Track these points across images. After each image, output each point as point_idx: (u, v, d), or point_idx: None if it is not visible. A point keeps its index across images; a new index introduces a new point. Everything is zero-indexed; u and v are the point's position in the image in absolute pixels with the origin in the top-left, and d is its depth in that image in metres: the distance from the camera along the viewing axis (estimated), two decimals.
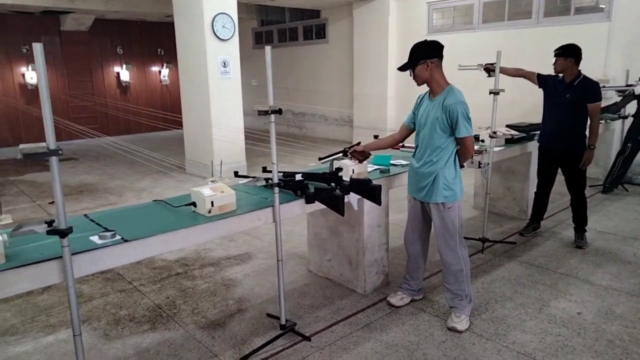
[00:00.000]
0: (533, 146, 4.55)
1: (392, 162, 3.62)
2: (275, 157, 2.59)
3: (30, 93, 10.39)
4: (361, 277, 3.31)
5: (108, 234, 2.15)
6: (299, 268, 3.80)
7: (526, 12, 7.28)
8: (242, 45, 12.98)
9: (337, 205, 2.63)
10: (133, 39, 12.06)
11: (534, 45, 6.97)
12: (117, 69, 11.84)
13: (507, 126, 4.88)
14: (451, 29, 8.34)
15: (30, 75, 10.28)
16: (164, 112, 11.43)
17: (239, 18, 12.13)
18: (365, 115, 9.70)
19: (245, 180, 3.05)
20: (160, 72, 12.59)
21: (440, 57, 2.73)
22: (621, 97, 5.59)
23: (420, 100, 2.92)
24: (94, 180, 7.08)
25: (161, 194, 6.04)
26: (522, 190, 4.84)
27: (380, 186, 2.81)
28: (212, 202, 2.46)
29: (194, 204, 2.52)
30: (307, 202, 2.75)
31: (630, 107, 5.72)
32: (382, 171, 3.41)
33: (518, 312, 3.04)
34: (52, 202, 5.60)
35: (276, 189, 2.59)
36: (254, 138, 7.86)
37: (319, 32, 10.95)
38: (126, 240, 2.13)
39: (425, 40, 2.78)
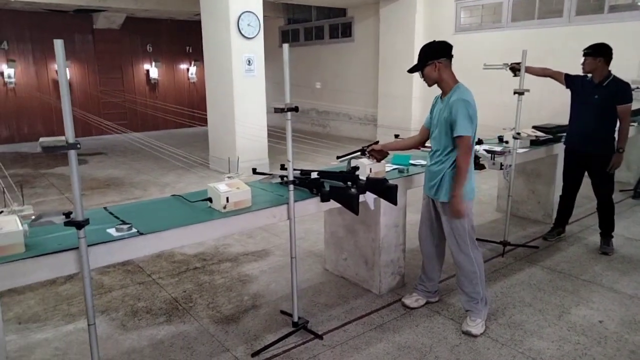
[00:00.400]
0: (559, 148, 4.43)
1: (411, 161, 3.59)
2: (291, 154, 2.60)
3: None
4: (376, 277, 3.29)
5: (125, 226, 2.20)
6: (315, 266, 3.81)
7: (557, 11, 7.08)
8: (268, 43, 13.09)
9: (351, 204, 2.62)
10: (162, 37, 12.29)
11: (565, 45, 6.78)
12: (146, 66, 12.09)
13: (534, 127, 4.77)
14: (479, 27, 8.18)
15: None
16: (191, 109, 11.63)
17: (265, 16, 12.22)
18: (390, 115, 9.63)
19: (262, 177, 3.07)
20: (188, 69, 12.80)
21: (449, 57, 2.73)
22: None
23: (435, 101, 2.90)
24: (120, 174, 7.26)
25: (184, 189, 6.15)
26: (547, 193, 4.71)
27: (396, 186, 2.78)
28: (227, 198, 2.49)
29: (209, 200, 2.55)
30: (323, 200, 2.75)
31: None
32: (400, 171, 3.38)
33: (536, 318, 2.96)
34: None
35: (291, 187, 2.60)
36: (277, 136, 7.92)
37: (345, 31, 10.92)
38: (142, 234, 2.18)
39: (434, 41, 2.78)
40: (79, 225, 1.88)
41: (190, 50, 12.67)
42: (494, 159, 3.62)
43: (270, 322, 2.95)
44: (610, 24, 6.44)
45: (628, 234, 4.41)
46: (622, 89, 3.73)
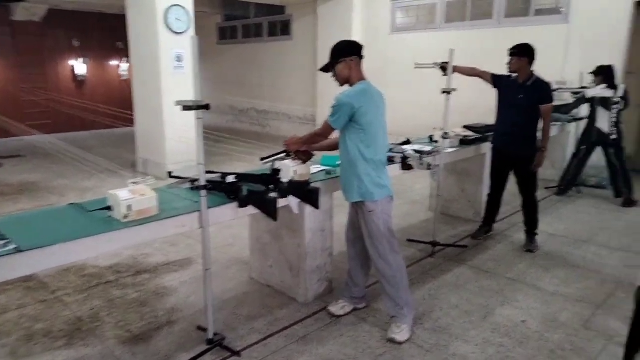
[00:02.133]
0: (488, 147, 4.48)
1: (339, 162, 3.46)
2: (202, 157, 2.39)
3: None
4: (302, 284, 3.14)
5: (1, 242, 1.91)
6: (240, 275, 3.61)
7: (487, 13, 7.26)
8: (206, 40, 12.76)
9: (269, 210, 2.46)
10: (91, 32, 11.55)
11: (495, 46, 6.88)
12: (72, 62, 11.32)
13: (464, 127, 4.82)
14: (414, 28, 8.26)
15: None
16: (120, 109, 11.00)
17: (201, 12, 11.77)
18: None
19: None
20: (119, 66, 12.12)
21: (360, 56, 2.69)
22: (574, 100, 5.60)
23: None
24: (37, 179, 6.68)
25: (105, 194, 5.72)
26: (476, 192, 4.76)
27: (318, 189, 2.65)
28: (129, 206, 2.25)
29: (109, 208, 2.30)
30: (240, 205, 2.57)
31: (587, 110, 5.73)
32: (328, 172, 3.25)
33: (462, 320, 2.92)
34: None
35: (203, 192, 2.39)
36: (217, 136, 7.61)
37: (283, 29, 10.74)
38: (20, 251, 1.90)
39: (344, 40, 2.77)
40: None
41: (122, 46, 11.99)
42: (422, 159, 3.57)
43: (185, 339, 2.72)
44: (536, 26, 6.66)
45: (551, 230, 4.53)
46: (544, 89, 3.81)
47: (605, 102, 5.27)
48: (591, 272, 3.62)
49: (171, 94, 6.50)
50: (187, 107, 2.25)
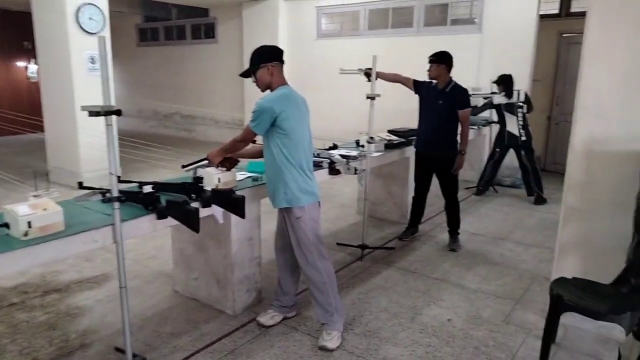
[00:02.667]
0: (411, 151, 4.61)
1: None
2: (116, 166, 2.21)
3: None
4: (230, 296, 3.02)
5: None
6: (164, 289, 3.41)
7: (408, 22, 7.51)
8: (125, 42, 12.12)
9: (190, 221, 2.32)
10: None
11: (416, 53, 7.17)
12: None
13: (389, 131, 4.92)
14: (339, 34, 8.37)
15: None
16: (29, 114, 10.14)
17: (118, 12, 11.17)
18: None
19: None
20: (27, 67, 11.18)
21: (281, 61, 2.65)
22: (482, 104, 5.95)
23: None
24: None
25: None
26: (402, 194, 4.88)
27: (243, 197, 2.55)
28: (28, 223, 2.02)
29: (6, 225, 2.05)
30: (159, 217, 2.40)
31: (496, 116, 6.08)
32: (254, 179, 3.15)
33: (391, 323, 2.95)
34: None
35: (116, 204, 2.20)
36: (142, 143, 7.22)
37: (208, 32, 10.45)
38: None
39: (265, 45, 2.69)
40: None
41: (30, 46, 11.07)
42: (348, 164, 3.58)
43: None
44: (453, 35, 7.00)
45: (472, 230, 4.75)
46: (462, 95, 3.97)
47: (511, 108, 5.66)
48: (509, 268, 3.82)
49: (85, 98, 6.07)
50: (94, 113, 2.07)
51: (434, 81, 4.04)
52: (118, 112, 2.14)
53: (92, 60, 6.10)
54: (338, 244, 4.25)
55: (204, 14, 10.31)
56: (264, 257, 3.55)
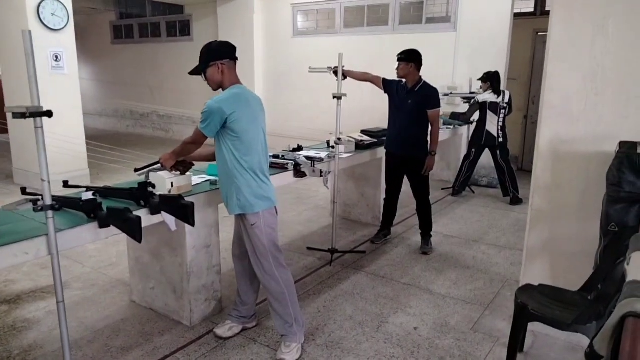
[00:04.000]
0: (383, 152, 4.49)
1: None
2: (46, 172, 2.03)
3: None
4: (187, 306, 2.87)
5: None
6: (120, 298, 3.24)
7: (383, 20, 7.41)
8: (99, 39, 11.82)
9: (131, 230, 2.16)
10: None
11: (392, 51, 7.05)
12: None
13: (362, 131, 4.81)
14: (315, 32, 8.24)
15: None
16: None
17: (92, 9, 10.90)
18: None
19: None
20: None
21: (234, 58, 2.50)
22: (468, 107, 5.85)
23: None
24: None
25: None
26: (375, 196, 4.77)
27: (192, 204, 2.40)
28: None
29: None
30: (100, 226, 2.24)
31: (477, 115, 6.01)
32: (212, 182, 3.00)
33: (355, 332, 2.83)
34: None
35: (49, 213, 2.04)
36: (116, 142, 7.01)
37: (183, 29, 10.23)
38: None
39: (215, 41, 2.55)
40: None
41: None
42: (314, 166, 3.45)
43: None
44: (428, 33, 6.91)
45: (446, 232, 4.66)
46: (431, 94, 3.86)
47: (495, 107, 5.57)
48: (480, 272, 3.73)
49: (49, 98, 5.83)
50: (18, 115, 1.90)
51: (404, 80, 3.93)
52: (48, 114, 1.98)
53: (57, 58, 5.88)
54: (308, 248, 4.13)
55: (179, 11, 10.09)
56: (227, 265, 3.42)
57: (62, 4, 5.82)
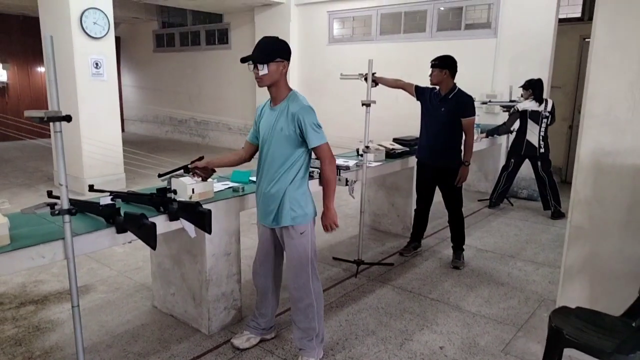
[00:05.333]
0: (415, 160, 4.35)
1: (251, 178, 3.20)
2: (64, 176, 2.03)
3: None
4: (205, 314, 2.82)
5: None
6: (143, 303, 3.24)
7: (421, 26, 7.25)
8: (142, 48, 12.20)
9: (146, 236, 2.14)
10: (13, 35, 10.77)
11: (429, 58, 6.88)
12: None
13: (394, 140, 4.68)
14: (351, 39, 8.17)
15: None
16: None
17: (136, 18, 11.26)
18: None
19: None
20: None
21: (289, 61, 2.39)
22: (508, 116, 5.59)
23: (261, 111, 2.54)
24: None
25: (12, 210, 5.17)
26: (406, 206, 4.62)
27: (209, 211, 2.36)
28: None
29: None
30: (119, 231, 2.23)
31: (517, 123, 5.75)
32: (235, 190, 2.96)
33: (377, 349, 2.70)
34: None
35: (66, 217, 2.04)
36: (149, 148, 7.17)
37: (221, 37, 10.40)
38: None
39: (282, 39, 2.38)
40: None
41: None
42: (339, 175, 3.36)
43: None
44: (467, 40, 6.70)
45: (480, 245, 4.44)
46: (465, 102, 3.70)
47: (536, 116, 5.30)
48: (515, 289, 3.52)
49: (88, 104, 6.04)
50: (37, 119, 1.92)
51: (437, 87, 3.79)
52: (67, 118, 1.98)
53: (97, 65, 6.06)
54: (334, 258, 4.03)
55: (218, 20, 10.28)
56: (248, 273, 3.36)
57: (104, 13, 6.01)
